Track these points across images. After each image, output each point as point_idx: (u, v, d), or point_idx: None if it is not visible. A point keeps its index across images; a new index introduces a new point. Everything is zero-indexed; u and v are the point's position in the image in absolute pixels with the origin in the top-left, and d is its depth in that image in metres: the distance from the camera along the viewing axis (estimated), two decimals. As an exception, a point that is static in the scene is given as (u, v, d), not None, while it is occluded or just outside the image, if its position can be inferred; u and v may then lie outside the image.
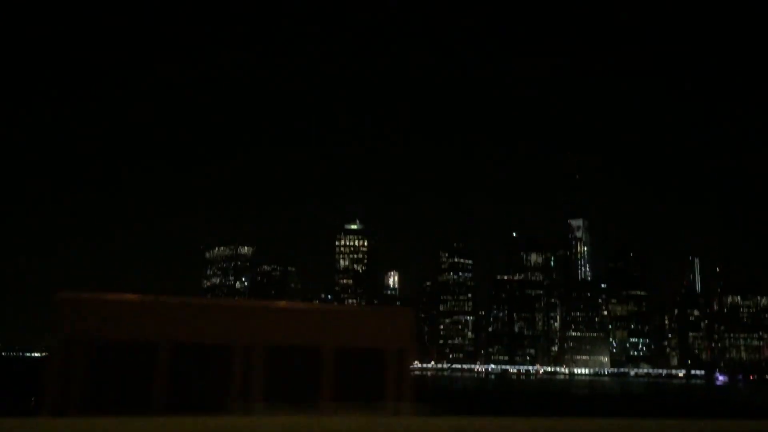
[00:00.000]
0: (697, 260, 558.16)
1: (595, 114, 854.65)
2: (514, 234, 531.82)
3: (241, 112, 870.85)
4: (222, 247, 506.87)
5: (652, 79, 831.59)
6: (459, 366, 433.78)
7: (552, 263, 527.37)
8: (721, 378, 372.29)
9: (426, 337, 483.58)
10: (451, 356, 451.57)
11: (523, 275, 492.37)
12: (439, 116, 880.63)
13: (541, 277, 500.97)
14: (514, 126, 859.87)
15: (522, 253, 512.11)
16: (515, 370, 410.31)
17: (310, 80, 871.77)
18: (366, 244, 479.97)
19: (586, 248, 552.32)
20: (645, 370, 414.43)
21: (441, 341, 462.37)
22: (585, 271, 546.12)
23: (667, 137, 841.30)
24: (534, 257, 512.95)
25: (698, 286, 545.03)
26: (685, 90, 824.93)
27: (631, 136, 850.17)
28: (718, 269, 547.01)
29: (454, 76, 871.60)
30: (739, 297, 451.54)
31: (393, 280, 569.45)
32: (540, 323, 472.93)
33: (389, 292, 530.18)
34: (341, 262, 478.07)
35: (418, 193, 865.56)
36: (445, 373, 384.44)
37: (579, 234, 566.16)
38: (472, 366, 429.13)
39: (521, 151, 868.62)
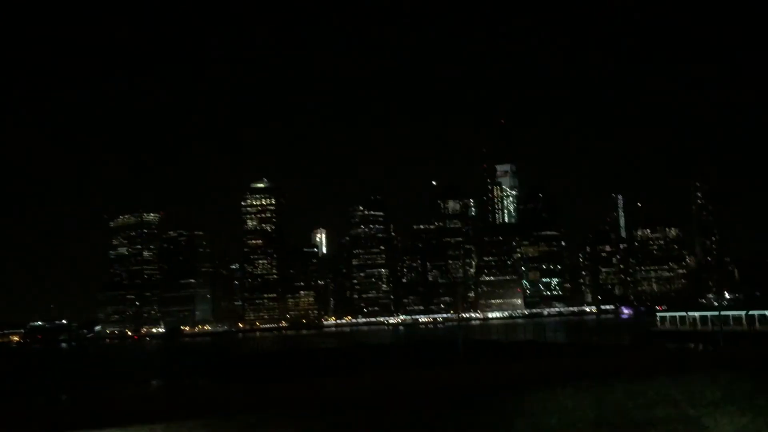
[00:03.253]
0: (620, 197, 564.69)
1: (517, 55, 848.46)
2: (434, 183, 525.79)
3: (139, 72, 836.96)
4: (126, 216, 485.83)
5: (575, 20, 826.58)
6: (374, 319, 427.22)
7: (472, 210, 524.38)
8: (626, 311, 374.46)
9: (348, 292, 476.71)
10: (366, 310, 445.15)
11: (440, 223, 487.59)
12: (356, 63, 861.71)
13: (459, 224, 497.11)
14: (436, 73, 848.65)
15: (439, 201, 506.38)
16: (426, 320, 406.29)
17: (209, 37, 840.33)
18: (274, 202, 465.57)
19: (515, 192, 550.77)
20: (557, 309, 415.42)
21: (356, 296, 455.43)
22: (505, 215, 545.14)
23: (591, 76, 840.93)
24: (451, 204, 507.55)
25: (622, 222, 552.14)
26: (610, 27, 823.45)
27: (555, 76, 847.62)
28: (639, 204, 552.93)
29: (370, 23, 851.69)
30: (648, 230, 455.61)
31: (320, 237, 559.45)
32: (459, 271, 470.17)
33: (314, 250, 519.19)
34: (249, 222, 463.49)
35: (339, 147, 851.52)
36: (346, 330, 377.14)
37: (507, 179, 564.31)
38: (388, 318, 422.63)
39: (442, 97, 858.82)
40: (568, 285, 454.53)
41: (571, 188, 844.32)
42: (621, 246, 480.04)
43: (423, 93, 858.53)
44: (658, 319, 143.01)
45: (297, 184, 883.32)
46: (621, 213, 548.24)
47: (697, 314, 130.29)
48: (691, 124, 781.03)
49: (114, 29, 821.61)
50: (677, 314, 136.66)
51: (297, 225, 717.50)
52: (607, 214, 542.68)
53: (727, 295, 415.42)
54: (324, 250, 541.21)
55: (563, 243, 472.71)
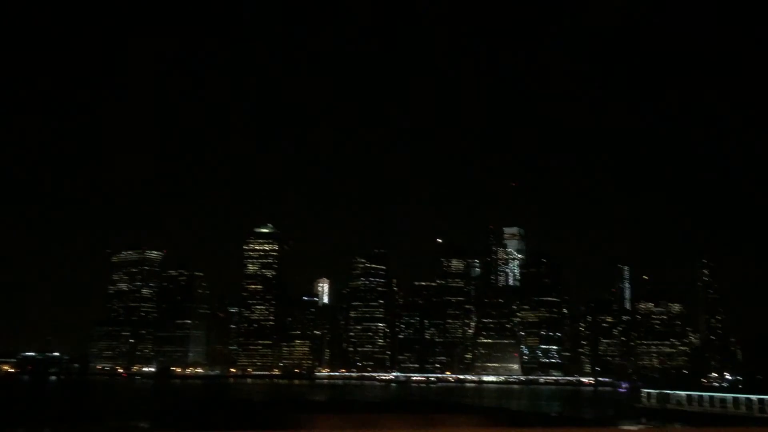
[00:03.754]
0: (626, 268, 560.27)
1: (533, 121, 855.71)
2: (439, 240, 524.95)
3: (146, 112, 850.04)
4: (129, 252, 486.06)
5: (586, 85, 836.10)
6: (368, 374, 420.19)
7: (476, 270, 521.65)
8: (624, 385, 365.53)
9: (344, 345, 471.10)
10: (360, 364, 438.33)
11: (442, 282, 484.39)
12: (366, 118, 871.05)
13: (461, 284, 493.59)
14: (453, 132, 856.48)
15: (443, 259, 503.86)
16: (420, 378, 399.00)
17: (221, 80, 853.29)
18: (277, 248, 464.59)
19: (521, 256, 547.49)
20: (553, 378, 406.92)
21: (351, 349, 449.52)
22: (510, 278, 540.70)
23: (608, 142, 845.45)
24: (455, 263, 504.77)
25: (627, 294, 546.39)
26: (619, 94, 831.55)
27: (569, 145, 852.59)
28: (646, 277, 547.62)
29: (382, 76, 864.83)
30: (651, 304, 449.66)
31: (322, 287, 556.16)
32: (459, 330, 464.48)
33: (315, 299, 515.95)
34: (250, 266, 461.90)
35: (347, 199, 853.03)
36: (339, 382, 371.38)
37: (515, 242, 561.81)
38: (380, 374, 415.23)
39: (456, 158, 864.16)
40: (567, 353, 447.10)
41: (580, 256, 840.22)
42: (624, 318, 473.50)
43: (435, 149, 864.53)
44: (643, 395, 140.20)
45: (305, 232, 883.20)
46: (627, 285, 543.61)
47: (682, 393, 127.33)
48: (707, 200, 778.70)
49: (120, 69, 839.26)
50: (663, 392, 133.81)
51: (301, 273, 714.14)
52: (613, 284, 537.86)
53: (728, 376, 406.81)
54: (326, 299, 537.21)
55: (565, 310, 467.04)
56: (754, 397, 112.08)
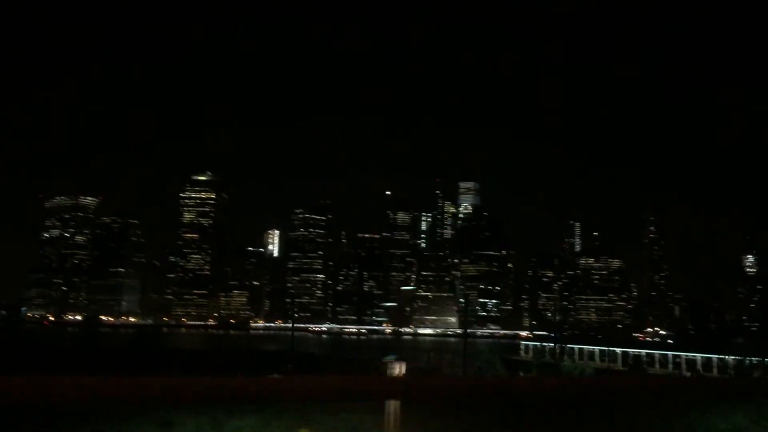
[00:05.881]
0: (578, 224, 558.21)
1: (488, 78, 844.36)
2: (387, 192, 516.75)
3: (85, 53, 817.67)
4: (62, 197, 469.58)
5: (542, 41, 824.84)
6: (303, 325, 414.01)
7: (422, 224, 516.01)
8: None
9: (284, 296, 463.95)
10: (297, 315, 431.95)
11: (387, 234, 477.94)
12: (320, 65, 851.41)
13: (406, 237, 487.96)
14: (409, 88, 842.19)
15: (389, 212, 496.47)
16: (352, 330, 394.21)
17: (165, 21, 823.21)
18: (214, 196, 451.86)
19: (470, 210, 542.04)
20: (489, 331, 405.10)
21: (289, 300, 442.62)
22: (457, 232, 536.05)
23: (562, 96, 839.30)
24: (401, 216, 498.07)
25: (578, 249, 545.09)
26: (575, 50, 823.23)
27: (528, 99, 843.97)
28: (596, 233, 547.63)
29: (335, 22, 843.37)
30: (591, 259, 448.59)
31: (272, 238, 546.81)
32: (401, 283, 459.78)
33: (260, 250, 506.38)
34: (186, 215, 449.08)
35: (300, 149, 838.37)
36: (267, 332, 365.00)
37: (470, 197, 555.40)
38: (310, 326, 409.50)
39: (408, 108, 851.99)
40: (508, 307, 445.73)
41: (534, 211, 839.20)
42: (567, 272, 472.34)
43: (391, 102, 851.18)
44: (521, 347, 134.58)
45: (257, 182, 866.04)
46: (577, 240, 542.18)
47: (551, 345, 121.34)
48: (663, 157, 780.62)
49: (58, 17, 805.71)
50: (537, 344, 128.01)
51: (251, 223, 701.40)
52: (563, 239, 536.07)
53: (661, 332, 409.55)
54: (276, 251, 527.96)
55: (509, 265, 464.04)
56: (618, 349, 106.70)
